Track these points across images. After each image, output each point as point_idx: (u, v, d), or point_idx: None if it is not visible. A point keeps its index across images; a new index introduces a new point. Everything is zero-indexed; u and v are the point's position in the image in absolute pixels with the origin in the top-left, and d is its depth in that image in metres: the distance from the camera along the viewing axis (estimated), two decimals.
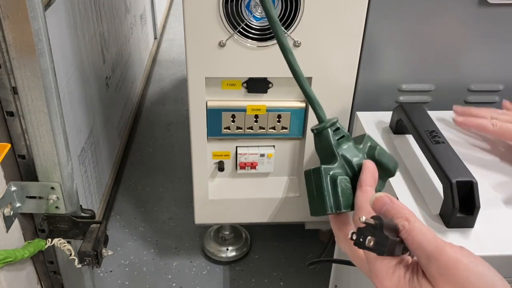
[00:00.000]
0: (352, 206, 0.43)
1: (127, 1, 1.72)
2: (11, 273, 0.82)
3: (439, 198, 0.61)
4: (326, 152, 0.44)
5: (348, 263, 0.49)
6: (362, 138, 0.46)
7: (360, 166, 0.44)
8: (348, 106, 0.97)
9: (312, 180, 0.44)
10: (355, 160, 0.43)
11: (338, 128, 0.44)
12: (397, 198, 0.64)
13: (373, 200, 0.40)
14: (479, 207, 0.58)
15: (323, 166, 0.44)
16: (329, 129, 0.44)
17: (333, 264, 1.00)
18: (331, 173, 0.43)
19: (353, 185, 0.44)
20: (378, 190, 0.44)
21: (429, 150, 0.64)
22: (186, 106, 0.97)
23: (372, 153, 0.45)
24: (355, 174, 0.43)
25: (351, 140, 0.45)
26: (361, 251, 0.41)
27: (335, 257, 0.99)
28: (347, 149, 0.43)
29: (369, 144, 0.46)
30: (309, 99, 0.46)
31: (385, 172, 0.45)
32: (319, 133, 0.44)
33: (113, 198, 1.49)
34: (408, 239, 0.38)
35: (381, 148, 0.46)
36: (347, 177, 0.43)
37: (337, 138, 0.44)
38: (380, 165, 0.44)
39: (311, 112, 0.98)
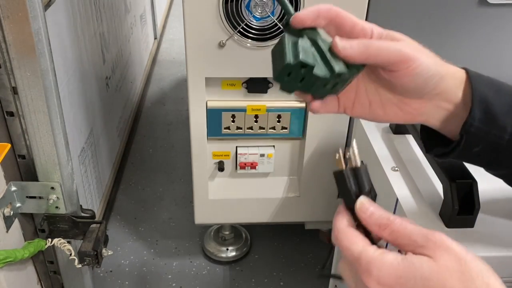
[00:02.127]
0: (314, 62, 0.42)
1: (127, 1, 1.72)
2: (11, 273, 0.82)
3: (439, 198, 0.61)
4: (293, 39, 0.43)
5: None
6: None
7: (323, 44, 0.43)
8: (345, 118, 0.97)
9: (276, 49, 0.43)
10: (322, 40, 0.43)
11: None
12: (397, 199, 0.64)
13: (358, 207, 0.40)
14: (479, 208, 0.58)
15: (287, 34, 0.43)
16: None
17: (333, 264, 1.00)
18: (294, 39, 0.43)
19: (323, 60, 0.43)
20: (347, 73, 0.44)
21: None
22: (186, 106, 0.97)
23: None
24: (321, 51, 0.43)
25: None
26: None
27: (334, 257, 0.99)
28: (317, 32, 0.44)
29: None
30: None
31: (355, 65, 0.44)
32: (287, 25, 0.44)
33: (113, 198, 1.49)
34: (394, 234, 0.38)
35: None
36: (310, 44, 0.43)
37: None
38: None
39: (311, 112, 0.98)
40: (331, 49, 0.43)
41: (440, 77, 0.45)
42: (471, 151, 0.47)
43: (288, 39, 0.43)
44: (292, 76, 0.42)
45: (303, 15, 0.43)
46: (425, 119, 0.47)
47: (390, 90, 0.46)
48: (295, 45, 0.42)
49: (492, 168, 0.51)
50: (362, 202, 0.40)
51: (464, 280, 0.35)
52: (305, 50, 0.42)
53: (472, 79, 0.46)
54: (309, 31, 0.44)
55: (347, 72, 0.43)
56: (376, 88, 0.47)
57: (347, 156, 0.40)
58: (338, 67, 0.42)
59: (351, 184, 0.40)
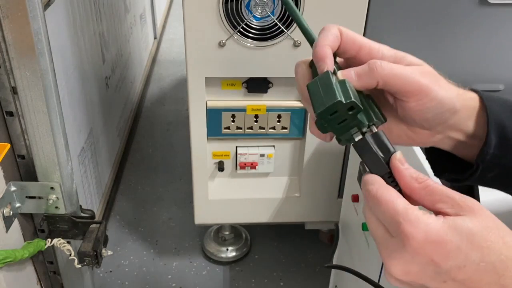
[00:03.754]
0: (356, 106, 0.40)
1: (127, 1, 1.72)
2: (11, 273, 0.82)
3: None
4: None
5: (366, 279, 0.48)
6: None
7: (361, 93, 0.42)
8: None
9: (318, 84, 0.41)
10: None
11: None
12: None
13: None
14: None
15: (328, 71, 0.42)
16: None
17: (334, 260, 1.00)
18: (342, 79, 0.41)
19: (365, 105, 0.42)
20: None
21: (429, 149, 0.64)
22: (186, 106, 0.97)
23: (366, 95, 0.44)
24: (360, 97, 0.42)
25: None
26: None
27: (334, 257, 0.99)
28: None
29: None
30: (305, 34, 0.45)
31: (379, 111, 0.43)
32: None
33: (113, 198, 1.49)
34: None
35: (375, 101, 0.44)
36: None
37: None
38: (374, 103, 0.43)
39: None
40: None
41: (454, 112, 0.42)
42: (486, 177, 0.45)
43: (332, 75, 0.41)
44: (335, 115, 0.41)
45: (325, 56, 0.41)
46: (434, 145, 0.45)
47: (395, 117, 0.43)
48: (343, 84, 0.41)
49: (508, 191, 0.49)
50: (400, 155, 0.38)
51: (501, 236, 0.35)
52: (353, 91, 0.41)
53: (486, 104, 0.43)
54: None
55: (381, 121, 0.42)
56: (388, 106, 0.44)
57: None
58: (375, 115, 0.41)
59: (376, 149, 0.40)
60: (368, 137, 0.40)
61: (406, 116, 0.42)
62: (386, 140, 0.40)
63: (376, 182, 0.38)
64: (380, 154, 0.40)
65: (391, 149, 0.40)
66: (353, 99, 0.39)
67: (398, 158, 0.38)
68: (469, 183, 0.46)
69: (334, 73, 0.41)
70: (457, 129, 0.43)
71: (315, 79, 0.42)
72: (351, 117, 0.40)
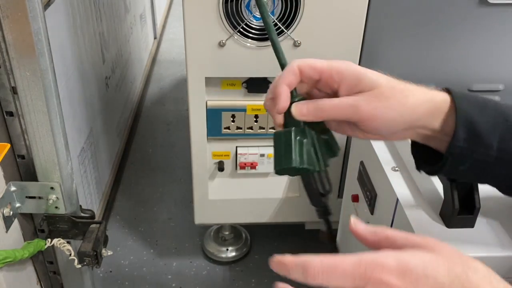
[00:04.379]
0: (313, 166, 0.50)
1: (127, 1, 1.72)
2: (11, 273, 0.82)
3: (439, 198, 0.61)
4: (293, 125, 0.51)
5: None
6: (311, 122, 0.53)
7: (317, 141, 0.51)
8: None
9: (281, 140, 0.50)
10: (312, 136, 0.51)
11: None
12: (397, 199, 0.64)
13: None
14: (479, 208, 0.58)
15: (293, 128, 0.50)
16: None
17: None
18: (299, 137, 0.49)
19: (316, 154, 0.51)
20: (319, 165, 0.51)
21: None
22: (186, 106, 0.97)
23: (322, 134, 0.52)
24: (314, 144, 0.51)
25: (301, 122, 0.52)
26: None
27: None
28: (307, 127, 0.51)
29: (319, 126, 0.53)
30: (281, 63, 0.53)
31: (331, 150, 0.53)
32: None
33: (113, 198, 1.49)
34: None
35: (328, 132, 0.53)
36: (311, 147, 0.51)
37: (291, 119, 0.51)
38: (327, 143, 0.53)
39: None
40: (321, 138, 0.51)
41: (414, 121, 0.46)
42: (458, 169, 0.48)
43: (295, 134, 0.49)
44: (291, 171, 0.49)
45: (283, 105, 0.47)
46: (405, 139, 0.49)
47: (363, 131, 0.48)
48: (301, 147, 0.49)
49: (481, 182, 0.52)
50: (355, 219, 0.41)
51: (466, 268, 0.35)
52: (309, 154, 0.50)
53: (456, 101, 0.46)
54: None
55: (327, 165, 0.51)
56: (349, 126, 0.49)
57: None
58: (326, 162, 0.51)
59: (318, 185, 0.49)
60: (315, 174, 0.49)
61: (368, 131, 0.47)
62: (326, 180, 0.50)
63: (319, 260, 0.41)
64: (321, 189, 0.50)
65: (327, 187, 0.51)
66: (305, 166, 0.48)
67: (353, 223, 0.41)
68: (444, 175, 0.50)
69: (289, 108, 0.47)
70: (423, 128, 0.47)
71: (280, 133, 0.50)
72: (304, 170, 0.49)
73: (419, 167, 0.51)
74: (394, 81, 0.47)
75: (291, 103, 0.47)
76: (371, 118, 0.45)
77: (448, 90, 0.48)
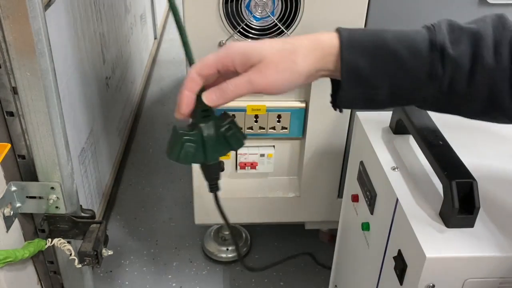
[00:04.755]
0: (189, 162, 0.63)
1: (127, 1, 1.73)
2: (11, 273, 0.82)
3: (439, 198, 0.61)
4: (193, 122, 0.62)
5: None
6: (225, 118, 0.64)
7: (209, 138, 0.62)
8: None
9: (172, 136, 0.62)
10: (205, 132, 0.61)
11: (207, 110, 0.60)
12: (397, 199, 0.64)
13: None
14: (479, 207, 0.58)
15: (180, 131, 0.61)
16: (199, 110, 0.60)
17: (333, 264, 1.00)
18: (183, 138, 0.61)
19: (203, 149, 0.62)
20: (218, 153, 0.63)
21: (429, 150, 0.64)
22: None
23: (224, 130, 0.62)
24: (204, 142, 0.62)
25: (216, 118, 0.62)
26: None
27: (334, 257, 0.99)
28: (207, 125, 0.61)
29: (228, 122, 0.63)
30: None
31: (228, 145, 0.63)
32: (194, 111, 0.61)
33: (113, 198, 1.49)
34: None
35: (234, 128, 0.63)
36: (193, 144, 0.62)
37: (203, 116, 0.60)
38: (225, 138, 0.63)
39: (311, 112, 0.98)
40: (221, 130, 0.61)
41: (308, 71, 0.53)
42: (355, 105, 0.55)
43: (181, 132, 0.61)
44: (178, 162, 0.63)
45: (184, 109, 0.56)
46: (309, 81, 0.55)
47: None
48: (182, 145, 0.61)
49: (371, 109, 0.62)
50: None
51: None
52: (186, 152, 0.62)
53: (342, 48, 0.52)
54: (210, 118, 0.61)
55: (216, 159, 0.64)
56: None
57: None
58: (212, 157, 0.63)
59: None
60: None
61: (274, 94, 0.54)
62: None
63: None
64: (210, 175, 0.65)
65: (214, 175, 0.66)
66: (180, 161, 0.61)
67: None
68: (342, 107, 0.56)
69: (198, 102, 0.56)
70: (321, 71, 0.53)
71: (174, 128, 0.61)
72: (183, 163, 0.62)
73: (332, 101, 0.57)
74: (279, 44, 0.52)
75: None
76: (267, 87, 0.51)
77: (338, 31, 0.53)
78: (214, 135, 0.63)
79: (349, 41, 0.52)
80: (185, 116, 0.56)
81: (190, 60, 0.61)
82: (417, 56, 0.52)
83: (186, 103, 0.55)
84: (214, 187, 0.71)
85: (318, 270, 1.28)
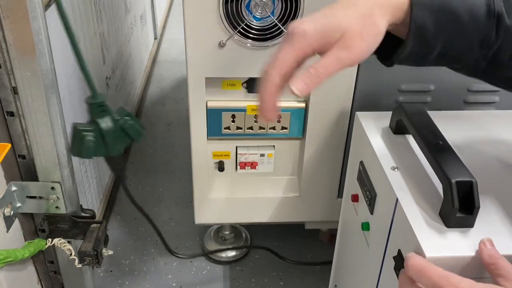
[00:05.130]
0: (92, 155, 0.70)
1: (127, 1, 1.73)
2: (12, 273, 0.83)
3: (439, 198, 0.61)
4: (90, 118, 0.69)
5: None
6: (121, 111, 0.71)
7: (107, 131, 0.69)
8: (348, 106, 0.97)
9: (73, 133, 0.69)
10: (103, 126, 0.69)
11: (102, 105, 0.69)
12: (397, 199, 0.64)
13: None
14: (478, 207, 0.58)
15: (79, 127, 0.69)
16: (93, 105, 0.69)
17: (333, 264, 1.00)
18: (82, 133, 0.68)
19: (103, 142, 0.69)
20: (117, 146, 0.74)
21: (429, 150, 0.64)
22: (186, 106, 0.97)
23: (121, 123, 0.70)
24: (102, 135, 0.69)
25: (112, 113, 0.70)
26: None
27: (334, 257, 0.99)
28: (104, 119, 0.69)
29: (124, 115, 0.71)
30: (87, 78, 0.72)
31: (128, 136, 0.71)
32: (88, 106, 0.70)
33: (113, 198, 1.49)
34: None
35: (131, 121, 0.71)
36: (93, 139, 0.68)
37: (98, 112, 0.68)
38: (124, 131, 0.70)
39: (311, 112, 0.98)
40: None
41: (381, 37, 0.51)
42: (401, 61, 0.55)
43: (79, 129, 0.69)
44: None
45: (272, 115, 0.56)
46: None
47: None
48: (82, 140, 0.70)
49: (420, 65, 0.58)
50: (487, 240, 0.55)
51: None
52: (87, 146, 0.69)
53: (414, 6, 0.51)
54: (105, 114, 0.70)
55: (118, 151, 0.73)
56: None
57: None
58: (113, 149, 0.71)
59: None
60: None
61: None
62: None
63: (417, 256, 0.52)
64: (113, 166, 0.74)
65: (118, 166, 0.77)
66: (89, 156, 0.71)
67: (488, 240, 0.54)
68: (397, 63, 0.56)
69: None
70: (390, 27, 0.52)
71: (73, 126, 0.70)
72: (83, 157, 0.72)
73: (379, 54, 0.56)
74: (351, 10, 0.50)
75: None
76: (357, 59, 0.50)
77: None
78: (112, 128, 0.70)
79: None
80: (273, 119, 0.55)
81: (93, 92, 0.72)
82: (475, 21, 0.53)
83: (271, 109, 0.53)
84: (121, 177, 0.78)
85: (318, 270, 1.28)
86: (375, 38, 0.50)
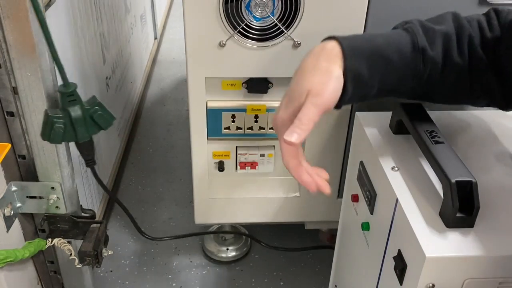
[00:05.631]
0: (60, 141, 0.77)
1: (127, 1, 1.73)
2: (12, 273, 0.83)
3: (439, 198, 0.61)
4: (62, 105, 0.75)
5: None
6: (92, 102, 0.78)
7: (76, 119, 0.75)
8: (348, 106, 0.97)
9: (44, 119, 0.74)
10: (73, 114, 0.75)
11: (72, 95, 0.74)
12: (397, 199, 0.64)
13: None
14: (478, 207, 0.58)
15: (50, 114, 0.74)
16: (64, 94, 0.74)
17: (333, 264, 1.00)
18: (52, 120, 0.73)
19: (72, 128, 0.76)
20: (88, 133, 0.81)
21: (429, 150, 0.64)
22: (186, 106, 0.98)
23: (91, 112, 0.77)
24: (72, 122, 0.75)
25: (81, 103, 0.76)
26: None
27: (334, 257, 0.99)
28: (74, 108, 0.75)
29: (94, 106, 0.78)
30: (59, 67, 0.76)
31: (97, 125, 0.79)
32: (59, 94, 0.75)
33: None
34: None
35: (101, 111, 0.79)
36: (62, 126, 0.74)
37: (68, 100, 0.74)
38: (93, 121, 0.77)
39: None
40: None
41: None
42: (346, 103, 0.64)
43: (50, 116, 0.74)
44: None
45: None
46: None
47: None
48: (52, 126, 0.74)
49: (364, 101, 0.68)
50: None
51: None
52: (56, 132, 0.74)
53: (347, 57, 0.60)
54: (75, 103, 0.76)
55: (86, 138, 0.80)
56: None
57: None
58: (82, 136, 0.78)
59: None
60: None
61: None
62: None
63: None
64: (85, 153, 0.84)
65: (86, 153, 0.84)
66: (57, 142, 0.77)
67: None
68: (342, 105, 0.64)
69: None
70: None
71: (46, 113, 0.76)
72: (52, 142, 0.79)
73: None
74: (309, 66, 0.62)
75: None
76: (326, 98, 0.60)
77: (337, 40, 0.61)
78: (82, 116, 0.75)
79: (350, 49, 0.60)
80: (321, 183, 0.69)
81: (64, 81, 0.75)
82: (403, 58, 0.63)
83: (310, 182, 0.69)
84: (90, 162, 0.83)
85: (318, 270, 1.28)
86: (335, 80, 0.59)
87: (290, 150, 0.64)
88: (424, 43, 0.64)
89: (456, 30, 0.66)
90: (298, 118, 0.58)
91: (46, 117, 0.74)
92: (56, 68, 0.79)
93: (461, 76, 0.66)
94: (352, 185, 0.85)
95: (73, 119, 0.75)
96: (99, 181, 0.87)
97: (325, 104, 0.59)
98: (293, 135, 0.58)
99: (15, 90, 0.77)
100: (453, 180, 0.58)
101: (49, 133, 0.75)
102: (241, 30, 0.87)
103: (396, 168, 0.69)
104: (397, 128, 0.77)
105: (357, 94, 0.62)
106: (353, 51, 0.61)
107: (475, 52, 0.66)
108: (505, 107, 0.69)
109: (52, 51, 0.72)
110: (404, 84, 0.65)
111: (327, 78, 0.59)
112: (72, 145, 0.84)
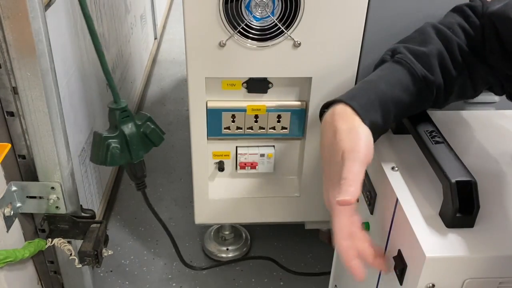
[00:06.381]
0: (117, 163, 0.71)
1: (127, 1, 1.73)
2: (12, 273, 0.83)
3: (439, 198, 0.61)
4: (112, 125, 0.68)
5: None
6: (141, 116, 0.73)
7: (131, 137, 0.70)
8: None
9: (95, 140, 0.68)
10: (127, 132, 0.68)
11: (125, 111, 0.68)
12: (397, 199, 0.64)
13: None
14: (478, 207, 0.58)
15: (104, 134, 0.68)
16: (117, 111, 0.67)
17: (333, 264, 1.00)
18: (108, 141, 0.67)
19: (127, 149, 0.70)
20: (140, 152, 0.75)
21: (429, 150, 0.64)
22: (186, 106, 0.98)
23: (144, 128, 0.71)
24: (127, 142, 0.69)
25: (133, 119, 0.70)
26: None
27: (334, 257, 0.99)
28: (127, 125, 0.69)
29: (145, 121, 0.72)
30: (110, 83, 0.72)
31: (150, 142, 0.73)
32: (111, 111, 0.68)
33: (113, 198, 1.49)
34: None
35: (153, 126, 0.73)
36: (118, 146, 0.68)
37: (122, 117, 0.68)
38: (146, 136, 0.71)
39: (311, 112, 0.98)
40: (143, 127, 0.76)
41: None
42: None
43: (104, 137, 0.69)
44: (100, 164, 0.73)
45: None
46: None
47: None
48: (107, 148, 0.68)
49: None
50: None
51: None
52: (113, 153, 0.69)
53: (361, 116, 0.63)
54: (127, 120, 0.71)
55: (140, 157, 0.75)
56: None
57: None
58: (137, 155, 0.72)
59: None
60: None
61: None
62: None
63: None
64: (135, 174, 0.79)
65: (138, 174, 0.79)
66: (114, 164, 0.71)
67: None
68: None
69: None
70: None
71: (95, 133, 0.70)
72: (106, 165, 0.74)
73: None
74: (333, 129, 0.64)
75: None
76: (362, 150, 0.61)
77: (347, 104, 0.64)
78: (136, 134, 0.70)
79: (361, 107, 0.63)
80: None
81: (115, 98, 0.71)
82: (409, 93, 0.67)
83: (360, 271, 0.63)
84: (141, 185, 0.78)
85: (318, 270, 1.28)
86: (365, 136, 0.61)
87: (345, 221, 0.61)
88: (422, 71, 0.67)
89: (445, 45, 0.69)
90: (343, 178, 0.58)
91: (98, 138, 0.68)
92: (108, 83, 0.76)
93: (464, 83, 0.71)
94: None
95: (128, 137, 0.69)
96: (151, 207, 0.81)
97: (363, 157, 0.60)
98: (350, 197, 0.57)
99: (15, 90, 0.77)
100: (453, 180, 0.58)
101: (104, 155, 0.68)
102: (241, 30, 0.87)
103: (396, 168, 0.69)
104: (397, 128, 0.77)
105: (376, 135, 0.65)
106: (365, 107, 0.63)
107: (467, 57, 0.69)
108: (500, 92, 0.74)
109: (102, 64, 0.71)
110: (417, 110, 0.71)
111: (355, 132, 0.61)
112: (73, 144, 0.81)
